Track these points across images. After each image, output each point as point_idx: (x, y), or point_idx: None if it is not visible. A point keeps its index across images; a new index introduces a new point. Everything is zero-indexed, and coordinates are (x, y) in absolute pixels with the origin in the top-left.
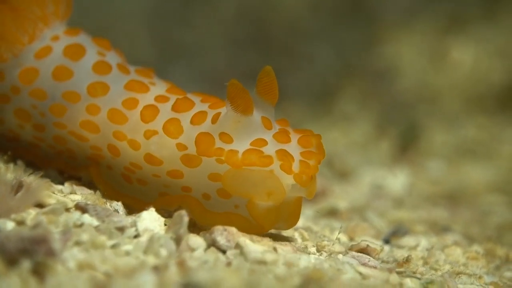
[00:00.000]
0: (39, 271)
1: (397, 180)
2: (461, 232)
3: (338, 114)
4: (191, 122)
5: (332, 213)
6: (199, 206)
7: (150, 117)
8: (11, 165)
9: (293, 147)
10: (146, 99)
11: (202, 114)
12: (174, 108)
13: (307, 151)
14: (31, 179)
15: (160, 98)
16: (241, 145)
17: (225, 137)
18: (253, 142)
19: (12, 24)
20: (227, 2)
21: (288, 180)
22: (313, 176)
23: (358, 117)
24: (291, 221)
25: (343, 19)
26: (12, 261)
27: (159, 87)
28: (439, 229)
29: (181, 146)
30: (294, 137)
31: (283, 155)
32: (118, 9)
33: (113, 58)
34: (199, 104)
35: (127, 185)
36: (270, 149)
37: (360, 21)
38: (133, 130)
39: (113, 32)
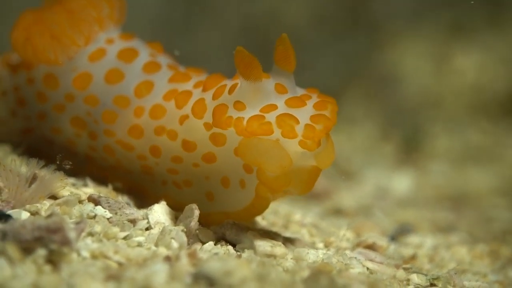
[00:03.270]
0: (54, 259)
1: (401, 182)
2: (466, 232)
3: (343, 117)
4: (213, 97)
5: (338, 212)
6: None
7: (183, 102)
8: (25, 158)
9: (305, 111)
10: (185, 87)
11: (222, 88)
12: (204, 89)
13: (316, 114)
14: (45, 172)
15: (198, 84)
16: (252, 112)
17: (239, 105)
18: (263, 108)
19: (68, 26)
20: (231, 11)
21: (295, 147)
22: (322, 141)
23: (362, 121)
24: (303, 188)
25: (347, 27)
26: (27, 249)
27: (202, 77)
28: (444, 228)
29: (207, 126)
30: (311, 101)
31: (282, 120)
32: None
33: (163, 59)
34: (226, 80)
35: (181, 194)
36: (274, 114)
37: (364, 28)
38: (170, 120)
39: None
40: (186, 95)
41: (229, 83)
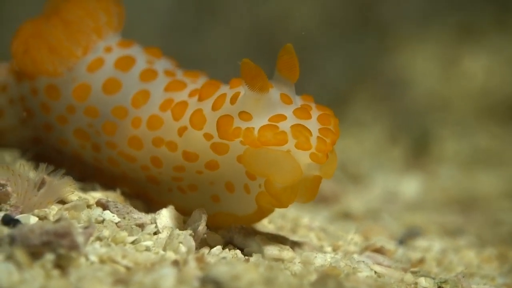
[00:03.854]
0: (62, 264)
1: (409, 186)
2: (474, 235)
3: (351, 121)
4: (212, 108)
5: (346, 216)
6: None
7: (180, 114)
8: (34, 164)
9: (313, 124)
10: (181, 96)
11: (222, 97)
12: (199, 98)
13: (324, 128)
14: (53, 177)
15: (193, 93)
16: (259, 122)
17: (245, 115)
18: (271, 118)
19: (65, 37)
20: (239, 14)
21: (304, 158)
22: (329, 154)
23: (370, 125)
24: (308, 196)
25: (355, 30)
26: (36, 254)
27: (198, 84)
28: (452, 232)
29: (207, 136)
30: (315, 113)
31: (298, 131)
32: (131, 21)
33: (161, 64)
34: (223, 88)
35: (186, 199)
36: (287, 124)
37: (372, 31)
38: (168, 131)
39: None
40: (182, 106)
41: (228, 92)
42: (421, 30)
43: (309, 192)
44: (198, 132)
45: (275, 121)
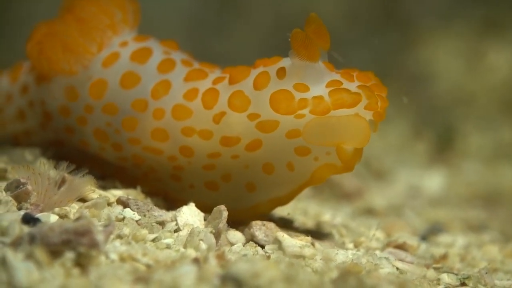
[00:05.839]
0: (82, 262)
1: (433, 181)
2: (498, 230)
3: None
4: (255, 87)
5: (369, 212)
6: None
7: (212, 101)
8: (55, 162)
9: (356, 84)
10: (205, 85)
11: (263, 75)
12: (232, 81)
13: (374, 84)
14: (74, 175)
15: (217, 80)
16: (317, 90)
17: (301, 86)
18: (328, 84)
19: (79, 35)
20: (263, 10)
21: (368, 118)
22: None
23: (394, 120)
24: (360, 156)
25: (379, 25)
26: (55, 252)
27: (216, 73)
28: (475, 227)
29: (252, 116)
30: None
31: (369, 91)
32: (154, 18)
33: (178, 55)
34: (256, 69)
35: (214, 196)
36: (351, 87)
37: (395, 26)
38: (200, 121)
39: None
40: (212, 93)
41: (270, 69)
42: (445, 24)
43: (360, 151)
44: (240, 114)
45: (337, 86)
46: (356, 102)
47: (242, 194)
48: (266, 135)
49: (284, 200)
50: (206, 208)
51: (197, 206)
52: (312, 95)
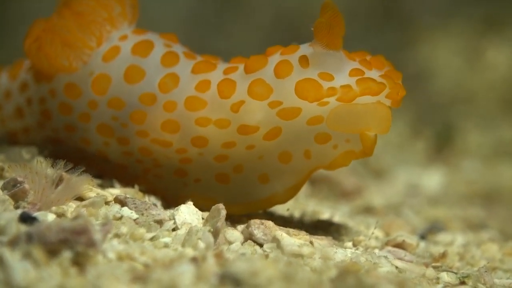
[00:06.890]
0: (79, 262)
1: (432, 180)
2: (497, 229)
3: None
4: (276, 75)
5: (368, 210)
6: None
7: (229, 91)
8: (52, 160)
9: (376, 72)
10: (216, 76)
11: (285, 64)
12: (248, 70)
13: (391, 71)
14: (71, 174)
15: (229, 70)
16: (344, 79)
17: (326, 75)
18: (351, 73)
19: (78, 29)
20: (263, 8)
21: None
22: None
23: (393, 117)
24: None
25: (378, 23)
26: (53, 252)
27: (224, 64)
28: (475, 226)
29: (274, 104)
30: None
31: (391, 79)
32: (152, 16)
33: (179, 48)
34: (272, 57)
35: (223, 189)
36: (374, 75)
37: (395, 24)
38: (217, 111)
39: None
40: (228, 83)
41: (291, 58)
42: (444, 22)
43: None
44: (261, 102)
45: (359, 75)
46: (381, 91)
47: (254, 186)
48: (287, 123)
49: (298, 187)
50: (204, 207)
51: (197, 204)
52: (340, 84)
